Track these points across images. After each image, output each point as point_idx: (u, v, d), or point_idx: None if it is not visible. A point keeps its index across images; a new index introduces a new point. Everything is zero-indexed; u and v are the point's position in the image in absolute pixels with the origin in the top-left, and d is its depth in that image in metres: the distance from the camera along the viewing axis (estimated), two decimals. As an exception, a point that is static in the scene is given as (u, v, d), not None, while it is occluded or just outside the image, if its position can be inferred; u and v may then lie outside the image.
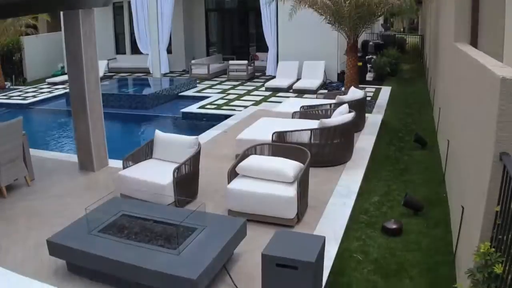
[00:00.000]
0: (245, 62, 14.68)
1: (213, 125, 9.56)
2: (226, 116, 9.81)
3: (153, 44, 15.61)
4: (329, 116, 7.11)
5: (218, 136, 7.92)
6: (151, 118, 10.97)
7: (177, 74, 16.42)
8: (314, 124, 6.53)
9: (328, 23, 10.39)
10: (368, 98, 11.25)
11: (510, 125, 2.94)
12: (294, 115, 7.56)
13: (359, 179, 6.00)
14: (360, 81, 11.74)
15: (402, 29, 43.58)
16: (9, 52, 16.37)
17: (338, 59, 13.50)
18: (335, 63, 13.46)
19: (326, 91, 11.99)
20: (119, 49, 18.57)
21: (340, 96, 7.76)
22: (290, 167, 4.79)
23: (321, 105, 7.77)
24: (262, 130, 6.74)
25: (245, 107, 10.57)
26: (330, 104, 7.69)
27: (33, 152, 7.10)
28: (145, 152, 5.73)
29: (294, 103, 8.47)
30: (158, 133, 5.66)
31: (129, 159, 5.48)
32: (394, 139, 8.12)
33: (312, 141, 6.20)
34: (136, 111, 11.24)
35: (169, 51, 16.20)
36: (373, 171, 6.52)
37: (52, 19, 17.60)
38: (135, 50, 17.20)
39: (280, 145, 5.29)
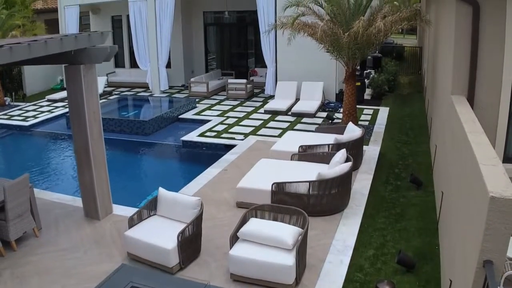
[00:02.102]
0: (244, 81, 14.81)
1: (213, 155, 9.80)
2: (226, 146, 10.02)
3: (152, 61, 15.73)
4: (327, 160, 7.31)
5: (218, 176, 8.09)
6: (152, 145, 11.13)
7: (176, 90, 16.55)
8: (312, 172, 6.73)
9: (326, 51, 10.54)
10: (366, 123, 11.48)
11: (495, 238, 3.17)
12: (293, 157, 7.74)
13: (355, 231, 6.21)
14: (358, 101, 11.93)
15: (400, 30, 43.61)
16: (8, 67, 16.46)
17: (337, 79, 13.65)
18: (333, 83, 13.60)
19: (324, 113, 12.19)
20: (118, 63, 18.66)
21: (338, 137, 7.93)
22: (289, 234, 5.00)
23: (320, 145, 7.94)
24: (262, 177, 6.93)
25: (245, 134, 10.74)
26: (329, 145, 7.87)
27: (38, 193, 7.35)
28: (149, 208, 5.93)
29: (292, 140, 8.63)
30: (162, 191, 5.86)
31: (134, 218, 5.68)
32: (391, 176, 8.31)
33: (310, 192, 6.40)
34: (136, 137, 11.39)
35: (168, 65, 16.29)
36: (370, 218, 6.73)
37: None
38: (134, 63, 17.29)
39: (280, 207, 5.48)
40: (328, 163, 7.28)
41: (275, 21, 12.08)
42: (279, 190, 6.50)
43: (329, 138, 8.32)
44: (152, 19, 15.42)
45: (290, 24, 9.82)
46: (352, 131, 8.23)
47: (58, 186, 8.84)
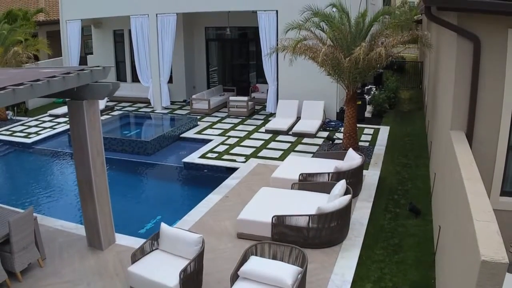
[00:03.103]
0: (245, 98, 14.94)
1: (214, 178, 9.91)
2: (227, 169, 10.13)
3: (154, 77, 15.86)
4: (327, 189, 7.42)
5: (219, 203, 8.18)
6: (153, 167, 11.23)
7: (178, 106, 16.67)
8: (313, 203, 6.84)
9: (327, 75, 10.66)
10: (366, 144, 11.58)
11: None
12: (293, 185, 7.84)
13: (353, 264, 6.30)
14: (359, 119, 12.03)
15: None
16: None
17: (338, 98, 13.76)
18: (334, 101, 13.71)
19: (325, 133, 12.29)
20: (120, 77, 18.80)
21: (338, 165, 8.03)
22: (288, 274, 5.08)
23: (320, 174, 8.03)
24: (262, 208, 7.02)
25: (246, 156, 10.84)
26: (329, 174, 7.97)
27: (41, 219, 7.46)
28: (152, 242, 6.03)
29: (293, 166, 8.73)
30: (164, 226, 5.96)
31: (136, 253, 5.78)
32: (390, 203, 8.40)
33: (310, 225, 6.49)
34: (138, 157, 11.49)
35: (169, 80, 16.40)
36: (368, 249, 6.81)
37: (53, 50, 17.83)
38: (136, 78, 17.39)
39: (280, 244, 5.57)
40: (328, 192, 7.39)
41: (277, 44, 12.21)
42: (279, 223, 6.59)
43: (329, 165, 8.42)
44: (154, 36, 15.58)
45: (292, 49, 9.93)
46: (352, 159, 8.33)
47: (61, 209, 8.94)
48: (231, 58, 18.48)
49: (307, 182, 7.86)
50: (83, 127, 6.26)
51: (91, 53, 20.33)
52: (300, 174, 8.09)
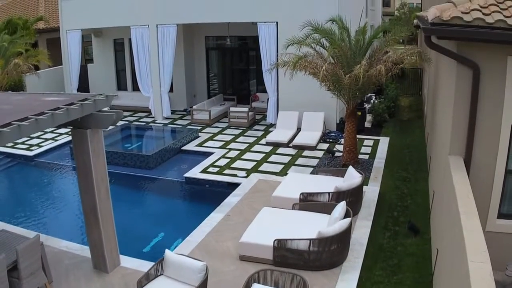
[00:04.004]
0: (246, 109, 15.05)
1: (216, 193, 10.04)
2: (229, 184, 10.27)
3: (154, 87, 15.96)
4: (328, 209, 7.55)
5: (221, 223, 8.29)
6: (155, 181, 11.34)
7: (178, 116, 16.77)
8: (313, 224, 6.98)
9: (327, 90, 10.77)
10: (366, 157, 11.71)
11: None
12: (294, 206, 7.97)
13: (353, 286, 6.42)
14: (359, 130, 12.14)
15: (401, 40, 43.77)
16: (11, 90, 16.69)
17: (338, 109, 13.87)
18: (334, 112, 13.82)
19: (325, 144, 12.41)
20: (120, 85, 18.91)
21: (338, 185, 8.15)
22: (290, 304, 5.22)
23: (320, 193, 8.16)
24: (264, 231, 7.15)
25: (247, 170, 10.97)
26: (329, 194, 8.10)
27: (46, 239, 7.59)
28: (156, 268, 6.15)
29: (293, 184, 8.86)
30: (168, 253, 6.08)
31: (142, 280, 5.91)
32: (389, 221, 8.52)
33: (310, 248, 6.61)
34: (139, 171, 11.59)
35: (170, 89, 16.48)
36: (367, 270, 6.94)
37: (53, 57, 17.94)
38: (136, 86, 17.43)
39: (282, 272, 5.70)
40: (329, 212, 7.51)
41: (277, 59, 12.32)
42: (281, 246, 6.71)
43: (329, 183, 8.54)
44: (154, 46, 15.67)
45: (292, 66, 10.03)
46: (352, 178, 8.44)
47: (65, 227, 9.05)
48: (231, 67, 18.57)
49: (308, 203, 7.98)
50: (87, 155, 6.37)
51: (91, 59, 20.40)
52: (300, 194, 8.21)
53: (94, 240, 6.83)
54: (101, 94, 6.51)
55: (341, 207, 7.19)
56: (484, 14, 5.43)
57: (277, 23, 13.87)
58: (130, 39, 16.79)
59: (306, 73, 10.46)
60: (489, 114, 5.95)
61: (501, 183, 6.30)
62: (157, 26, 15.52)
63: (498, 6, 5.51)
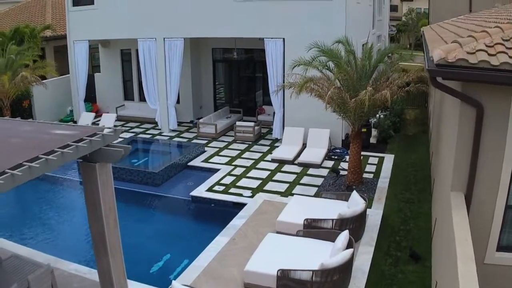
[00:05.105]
0: (252, 124, 15.17)
1: (221, 213, 10.18)
2: (234, 204, 10.43)
3: (161, 100, 16.13)
4: (331, 237, 7.67)
5: (227, 247, 8.44)
6: (161, 199, 11.50)
7: (185, 128, 16.93)
8: (317, 253, 7.11)
9: (333, 112, 10.87)
10: (370, 176, 11.80)
11: None
12: (298, 232, 8.11)
13: (355, 319, 6.58)
14: (364, 146, 12.22)
15: (408, 46, 43.82)
16: (18, 100, 16.92)
17: (343, 125, 13.95)
18: (340, 128, 13.91)
19: (330, 162, 12.51)
20: (128, 96, 19.11)
21: (342, 212, 8.28)
22: None
23: (324, 220, 8.29)
24: (268, 259, 7.29)
25: (252, 189, 11.12)
26: (332, 220, 8.23)
27: (54, 262, 7.80)
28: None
29: (298, 208, 9.01)
30: (176, 285, 6.24)
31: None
32: (392, 246, 8.63)
33: (313, 279, 6.74)
34: (146, 188, 11.74)
35: (177, 100, 16.64)
36: (369, 301, 7.09)
37: (60, 65, 18.14)
38: (143, 97, 17.58)
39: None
40: (332, 240, 7.64)
41: (283, 80, 12.43)
42: (284, 276, 6.85)
43: (333, 208, 8.66)
44: (161, 59, 15.82)
45: (299, 89, 10.14)
46: (356, 204, 8.56)
47: (73, 248, 9.23)
48: (237, 78, 18.70)
49: (311, 230, 8.12)
50: (96, 188, 6.51)
51: (98, 66, 20.52)
52: (304, 220, 8.35)
53: (102, 267, 6.98)
54: (109, 128, 6.67)
55: (344, 236, 7.32)
56: (489, 54, 5.47)
57: (284, 39, 13.98)
58: (137, 50, 16.91)
59: (312, 95, 10.58)
60: (491, 152, 6.04)
61: (501, 218, 6.37)
62: (164, 40, 15.68)
63: (504, 45, 5.56)
